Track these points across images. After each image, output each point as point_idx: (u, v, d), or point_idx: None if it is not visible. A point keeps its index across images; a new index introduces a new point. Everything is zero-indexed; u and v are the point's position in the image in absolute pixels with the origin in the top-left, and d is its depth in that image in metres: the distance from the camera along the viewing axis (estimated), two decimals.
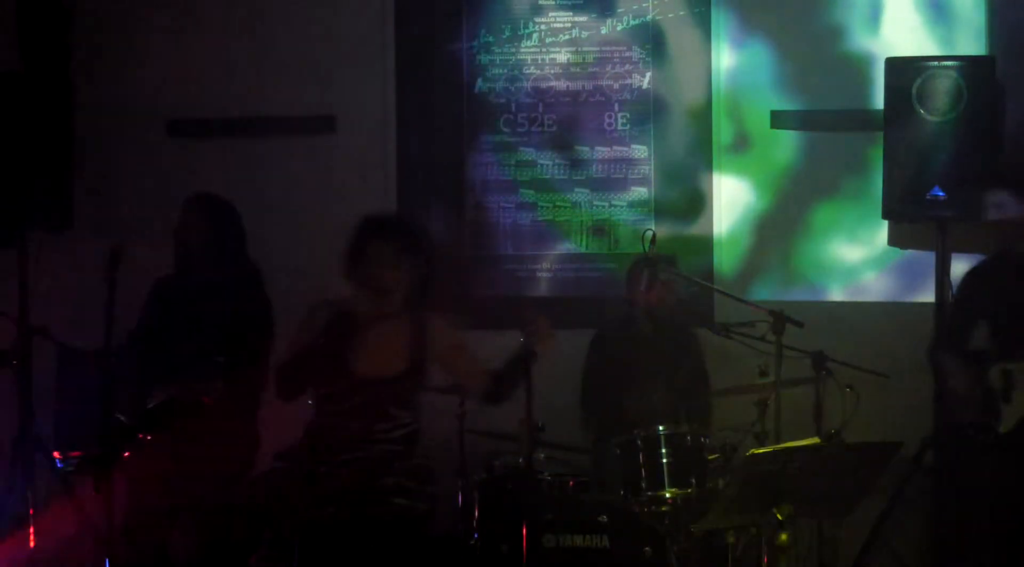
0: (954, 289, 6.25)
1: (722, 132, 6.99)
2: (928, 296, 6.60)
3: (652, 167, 7.05)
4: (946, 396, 6.01)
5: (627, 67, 7.04)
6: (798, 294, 6.86)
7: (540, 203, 7.09)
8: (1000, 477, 5.80)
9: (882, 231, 6.85)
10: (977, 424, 5.81)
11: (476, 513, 5.77)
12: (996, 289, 5.94)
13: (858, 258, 6.95)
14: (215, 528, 5.55)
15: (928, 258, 6.62)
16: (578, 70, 7.06)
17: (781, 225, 7.00)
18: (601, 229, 7.05)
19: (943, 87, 6.31)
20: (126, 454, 5.49)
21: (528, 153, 7.09)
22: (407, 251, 5.19)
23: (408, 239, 5.23)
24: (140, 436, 5.57)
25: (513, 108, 7.09)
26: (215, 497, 5.52)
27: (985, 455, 5.84)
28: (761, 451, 4.81)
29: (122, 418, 5.55)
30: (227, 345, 5.69)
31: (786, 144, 6.99)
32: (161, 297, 5.99)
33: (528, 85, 7.08)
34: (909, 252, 6.86)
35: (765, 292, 6.80)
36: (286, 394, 4.98)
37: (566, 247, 7.08)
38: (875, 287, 6.94)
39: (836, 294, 6.96)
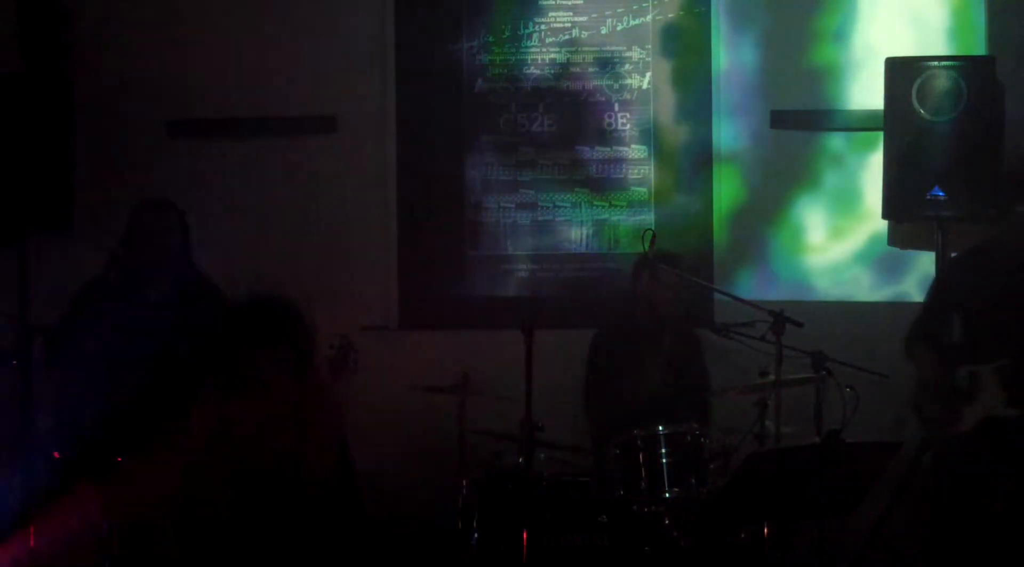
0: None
1: (722, 132, 6.99)
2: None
3: (652, 167, 7.05)
4: (917, 386, 5.95)
5: (627, 67, 7.04)
6: (798, 294, 6.85)
7: (540, 203, 7.09)
8: (960, 478, 5.75)
9: (882, 231, 6.85)
10: (937, 419, 5.76)
11: (476, 513, 5.77)
12: (972, 284, 5.88)
13: (858, 258, 6.95)
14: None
15: (928, 258, 6.62)
16: (578, 70, 7.06)
17: (781, 226, 7.00)
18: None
19: (943, 87, 6.31)
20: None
21: (528, 153, 7.09)
22: (278, 338, 5.02)
23: (277, 325, 5.07)
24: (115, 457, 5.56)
25: (513, 108, 7.09)
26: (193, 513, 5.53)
27: (945, 454, 5.81)
28: (761, 451, 4.81)
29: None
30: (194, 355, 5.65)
31: (786, 144, 6.99)
32: (99, 300, 5.90)
33: (528, 85, 7.08)
34: (909, 252, 6.86)
35: (765, 292, 6.79)
36: None
37: (566, 247, 7.08)
38: (875, 287, 6.94)
39: (836, 294, 6.95)
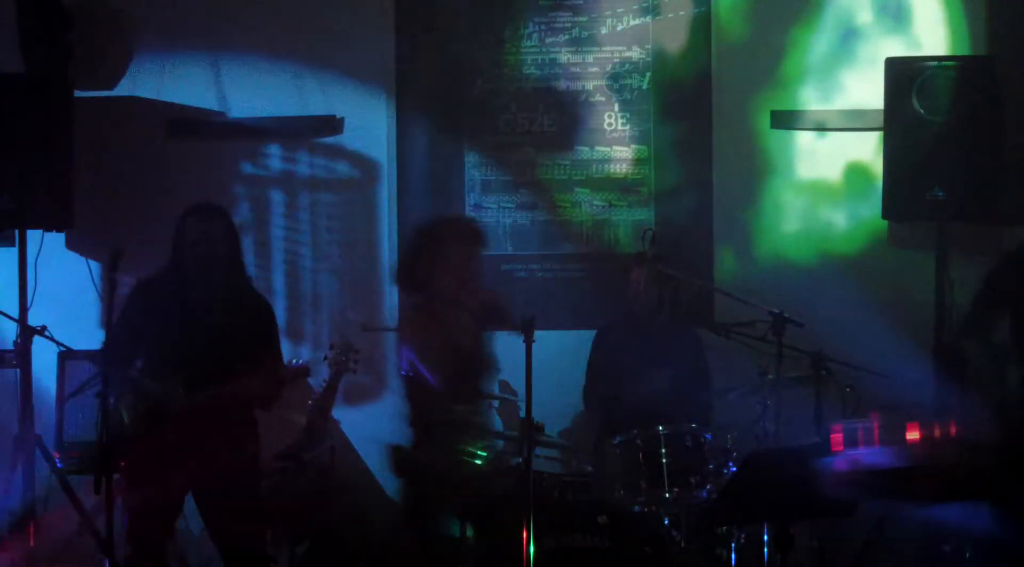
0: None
1: (722, 132, 6.99)
2: (928, 296, 6.60)
3: (652, 167, 7.05)
4: (969, 380, 5.89)
5: (627, 67, 7.05)
6: (799, 293, 6.85)
7: (540, 203, 7.09)
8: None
9: (882, 231, 6.86)
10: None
11: (476, 513, 5.76)
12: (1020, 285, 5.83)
13: (859, 258, 6.95)
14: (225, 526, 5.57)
15: (928, 258, 6.62)
16: (578, 70, 7.06)
17: (781, 225, 7.00)
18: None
19: (943, 87, 6.32)
20: (124, 457, 5.46)
21: (528, 153, 7.09)
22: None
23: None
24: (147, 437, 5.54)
25: (513, 108, 7.09)
26: (222, 496, 5.52)
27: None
28: (761, 451, 4.81)
29: (124, 416, 5.52)
30: (240, 347, 5.62)
31: (786, 144, 6.99)
32: (154, 298, 5.82)
33: (528, 85, 7.08)
34: (909, 252, 6.86)
35: (765, 292, 6.79)
36: None
37: (566, 247, 7.08)
38: (875, 287, 6.94)
39: (837, 294, 6.95)
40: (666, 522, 5.66)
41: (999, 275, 5.88)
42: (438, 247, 5.69)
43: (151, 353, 5.54)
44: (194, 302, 5.59)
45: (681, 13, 7.00)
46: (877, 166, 6.60)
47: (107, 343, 5.39)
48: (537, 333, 5.09)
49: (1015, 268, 5.84)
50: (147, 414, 5.49)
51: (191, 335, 5.53)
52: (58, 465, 6.10)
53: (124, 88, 7.09)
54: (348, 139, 7.11)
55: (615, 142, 7.06)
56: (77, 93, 6.58)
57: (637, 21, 7.03)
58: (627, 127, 7.05)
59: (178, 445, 5.44)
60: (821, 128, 6.96)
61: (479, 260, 5.84)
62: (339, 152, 7.12)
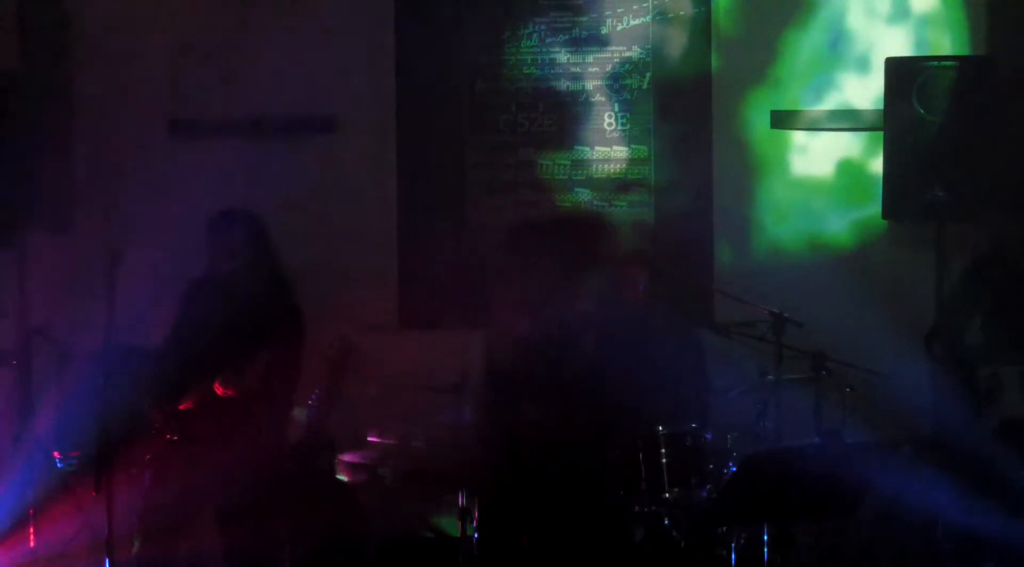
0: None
1: (721, 132, 7.00)
2: (928, 296, 6.60)
3: (652, 167, 7.05)
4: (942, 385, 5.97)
5: (627, 67, 7.05)
6: (798, 293, 6.85)
7: (540, 203, 7.09)
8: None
9: (882, 231, 6.86)
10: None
11: (476, 513, 5.77)
12: (991, 287, 5.90)
13: (859, 258, 6.95)
14: (237, 527, 5.57)
15: (928, 258, 6.62)
16: (578, 70, 7.06)
17: (781, 225, 7.00)
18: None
19: (943, 87, 6.32)
20: (148, 455, 5.47)
21: (528, 153, 7.09)
22: None
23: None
24: (167, 436, 5.55)
25: (513, 108, 7.09)
26: (238, 496, 5.52)
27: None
28: (761, 451, 4.81)
29: (151, 415, 5.53)
30: (260, 345, 5.64)
31: (786, 144, 6.99)
32: (195, 296, 5.87)
33: (528, 85, 7.08)
34: (909, 252, 6.86)
35: (765, 291, 6.79)
36: None
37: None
38: (875, 286, 6.94)
39: (836, 294, 6.95)
40: (666, 522, 5.66)
41: (971, 277, 5.95)
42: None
43: (173, 353, 5.63)
44: (207, 310, 5.66)
45: (681, 13, 7.00)
46: (878, 166, 6.60)
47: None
48: None
49: (987, 270, 5.91)
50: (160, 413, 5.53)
51: (201, 341, 5.60)
52: (58, 465, 6.11)
53: (124, 87, 7.09)
54: (348, 138, 7.11)
55: (615, 142, 7.06)
56: (77, 92, 6.59)
57: (637, 21, 7.03)
58: (627, 127, 7.06)
59: (187, 443, 5.47)
60: (821, 128, 6.96)
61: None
62: (340, 151, 7.12)
